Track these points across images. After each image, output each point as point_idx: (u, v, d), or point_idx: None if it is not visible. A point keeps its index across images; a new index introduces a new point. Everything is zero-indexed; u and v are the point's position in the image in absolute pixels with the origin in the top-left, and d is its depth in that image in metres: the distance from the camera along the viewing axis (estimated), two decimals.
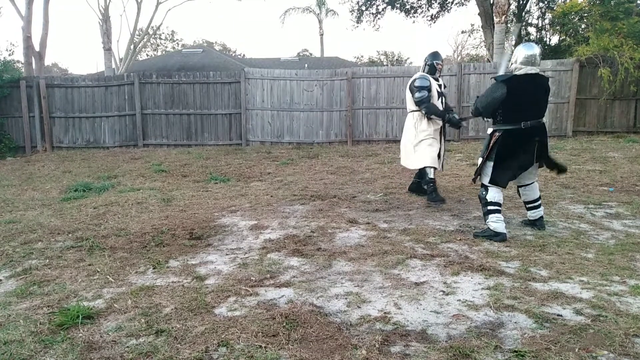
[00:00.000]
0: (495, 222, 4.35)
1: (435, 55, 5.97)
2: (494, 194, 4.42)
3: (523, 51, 4.32)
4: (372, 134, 12.52)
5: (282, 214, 5.52)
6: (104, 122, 12.89)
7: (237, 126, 12.71)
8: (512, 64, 4.41)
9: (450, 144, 11.68)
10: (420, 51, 65.89)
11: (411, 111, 5.96)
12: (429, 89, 5.69)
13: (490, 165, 4.41)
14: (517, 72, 4.32)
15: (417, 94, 5.70)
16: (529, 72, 4.30)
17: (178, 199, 6.64)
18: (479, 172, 4.53)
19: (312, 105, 12.57)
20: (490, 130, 4.50)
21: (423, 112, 5.72)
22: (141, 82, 12.65)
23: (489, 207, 4.41)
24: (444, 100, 5.93)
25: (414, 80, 5.80)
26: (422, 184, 6.04)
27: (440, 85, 5.93)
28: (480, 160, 4.55)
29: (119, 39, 22.57)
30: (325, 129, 12.62)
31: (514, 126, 4.32)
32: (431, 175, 5.83)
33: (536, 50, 4.34)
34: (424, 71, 5.90)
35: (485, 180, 4.47)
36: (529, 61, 4.28)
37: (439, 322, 2.79)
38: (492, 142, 4.40)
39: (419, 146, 5.84)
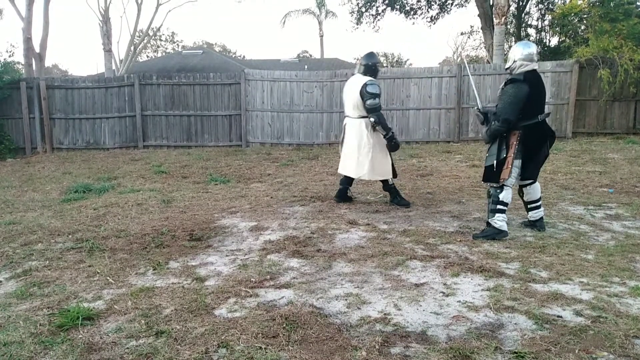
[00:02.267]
0: (501, 222, 4.42)
1: (374, 55, 5.79)
2: (506, 194, 4.45)
3: (524, 49, 4.42)
4: None
5: (282, 215, 5.52)
6: (104, 123, 12.90)
7: (237, 127, 12.71)
8: (514, 62, 4.46)
9: (450, 145, 11.71)
10: (420, 52, 65.95)
11: (360, 117, 5.64)
12: (380, 96, 5.55)
13: (518, 163, 4.43)
14: (526, 69, 4.39)
15: (371, 101, 5.47)
16: (534, 67, 4.42)
17: (178, 200, 6.64)
18: (501, 172, 4.41)
19: (312, 107, 12.57)
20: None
21: (372, 120, 5.53)
22: (141, 83, 12.66)
23: (499, 207, 4.44)
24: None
25: (366, 85, 5.49)
26: (394, 193, 5.89)
27: None
28: (495, 161, 4.44)
29: (119, 41, 22.63)
30: (325, 131, 12.63)
31: (533, 120, 4.37)
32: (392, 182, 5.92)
33: (534, 47, 4.50)
34: (366, 73, 5.63)
35: (510, 181, 4.43)
36: (531, 58, 4.39)
37: (439, 323, 2.79)
38: (513, 141, 4.40)
39: (376, 156, 5.65)
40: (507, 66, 4.57)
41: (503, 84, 4.58)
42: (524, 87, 4.31)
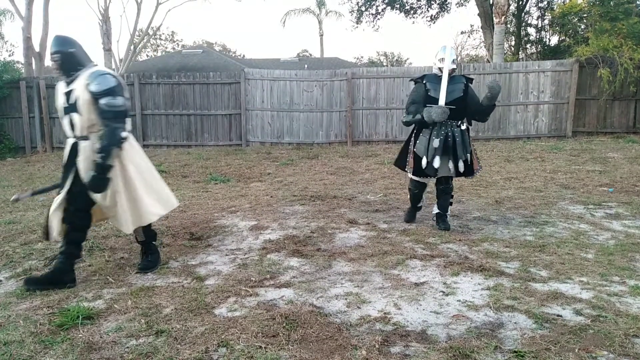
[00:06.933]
0: None
1: (55, 41, 3.47)
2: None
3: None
4: (372, 134, 12.52)
5: (282, 215, 5.52)
6: None
7: (237, 127, 12.71)
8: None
9: None
10: (420, 52, 65.94)
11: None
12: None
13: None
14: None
15: None
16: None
17: (178, 199, 6.62)
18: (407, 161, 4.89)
19: (312, 106, 12.57)
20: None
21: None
22: (141, 82, 12.66)
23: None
24: (71, 121, 3.46)
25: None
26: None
27: (68, 93, 3.43)
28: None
29: (119, 40, 22.62)
30: (325, 130, 12.63)
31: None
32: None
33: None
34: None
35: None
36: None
37: (439, 322, 2.79)
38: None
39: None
40: (455, 66, 4.69)
41: (466, 81, 4.71)
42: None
